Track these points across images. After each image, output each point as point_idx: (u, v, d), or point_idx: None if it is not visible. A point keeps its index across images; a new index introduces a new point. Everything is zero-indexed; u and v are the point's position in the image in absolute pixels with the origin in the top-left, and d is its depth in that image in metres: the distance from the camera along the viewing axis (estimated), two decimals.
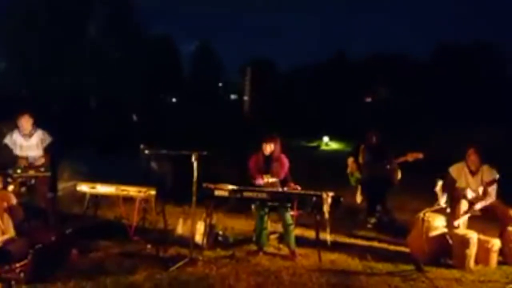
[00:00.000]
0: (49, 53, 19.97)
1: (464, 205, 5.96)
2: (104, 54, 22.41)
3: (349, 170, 7.65)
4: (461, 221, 5.88)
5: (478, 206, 5.88)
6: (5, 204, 4.75)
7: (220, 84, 44.95)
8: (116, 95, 22.43)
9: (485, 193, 5.92)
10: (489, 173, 5.94)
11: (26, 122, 6.45)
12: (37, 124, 6.58)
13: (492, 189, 5.91)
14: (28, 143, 6.47)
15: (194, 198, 5.42)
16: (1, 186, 5.35)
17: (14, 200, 4.93)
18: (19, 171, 6.23)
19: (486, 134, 14.42)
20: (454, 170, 6.20)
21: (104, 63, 21.99)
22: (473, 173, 6.03)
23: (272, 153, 5.81)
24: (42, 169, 6.39)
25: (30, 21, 19.83)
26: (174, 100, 38.66)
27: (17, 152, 6.43)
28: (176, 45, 36.98)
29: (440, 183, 6.09)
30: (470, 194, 5.99)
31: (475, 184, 5.99)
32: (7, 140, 6.45)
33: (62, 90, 20.29)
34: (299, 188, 5.79)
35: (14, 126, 6.54)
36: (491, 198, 5.91)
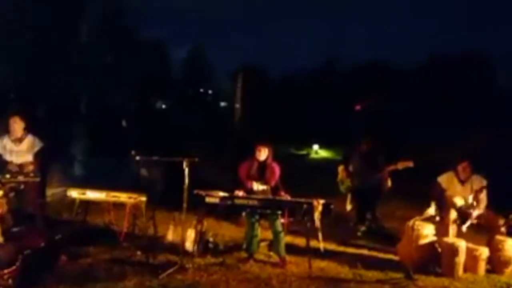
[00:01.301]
0: (40, 56, 19.86)
1: (453, 214, 6.02)
2: (95, 57, 22.32)
3: (339, 177, 7.68)
4: (451, 230, 5.94)
5: (475, 213, 5.95)
6: None
7: (210, 92, 44.99)
8: (106, 99, 22.32)
9: (478, 201, 6.00)
10: (478, 181, 6.06)
11: (16, 125, 6.38)
12: (28, 130, 6.53)
13: (483, 196, 6.02)
14: (18, 148, 6.41)
15: (184, 205, 5.41)
16: (2, 193, 5.36)
17: (5, 207, 4.89)
18: (8, 176, 6.17)
19: (475, 141, 14.59)
20: (444, 179, 6.27)
21: (95, 67, 21.90)
22: (462, 182, 6.12)
23: (265, 159, 5.82)
24: (32, 175, 6.34)
25: (21, 23, 19.73)
26: (164, 106, 38.57)
27: (7, 157, 6.37)
28: (167, 51, 36.91)
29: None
30: (459, 202, 6.06)
31: (465, 193, 6.07)
32: None
33: (52, 93, 20.19)
34: (289, 196, 5.80)
35: (4, 131, 6.48)
36: (484, 204, 6.01)
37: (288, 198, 5.74)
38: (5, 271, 4.45)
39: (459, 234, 5.92)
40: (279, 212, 5.66)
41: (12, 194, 6.20)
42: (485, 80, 28.38)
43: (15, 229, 5.53)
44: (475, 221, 5.96)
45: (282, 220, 5.77)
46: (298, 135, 23.53)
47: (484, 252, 5.63)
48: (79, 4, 21.59)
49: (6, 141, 6.40)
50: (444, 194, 6.19)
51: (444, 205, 6.12)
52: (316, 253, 5.82)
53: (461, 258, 5.50)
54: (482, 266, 5.62)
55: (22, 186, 6.30)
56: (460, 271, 5.50)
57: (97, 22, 22.63)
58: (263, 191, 5.83)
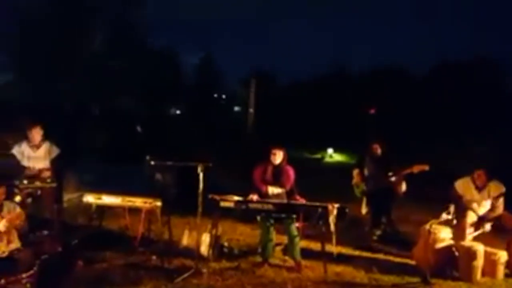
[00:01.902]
0: (55, 63, 20.17)
1: (470, 217, 5.95)
2: (107, 66, 22.58)
3: (354, 181, 7.64)
4: (469, 234, 5.88)
5: (488, 226, 5.89)
6: (17, 222, 4.80)
7: (223, 96, 45.10)
8: (119, 106, 22.58)
9: (493, 207, 5.93)
10: (496, 188, 5.95)
11: (37, 133, 6.51)
12: (46, 136, 6.63)
13: (500, 203, 5.94)
14: (36, 154, 6.51)
15: (199, 209, 5.42)
16: (20, 198, 5.42)
17: (24, 216, 4.96)
18: (25, 181, 6.26)
19: (485, 146, 14.50)
20: (460, 185, 6.20)
21: (106, 75, 22.16)
22: (479, 189, 6.03)
23: (280, 163, 5.81)
24: (49, 180, 6.42)
25: (37, 30, 20.08)
26: (178, 112, 38.80)
27: (24, 162, 6.47)
28: (179, 57, 37.07)
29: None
30: (480, 211, 5.98)
31: (482, 199, 5.99)
32: (15, 150, 6.50)
33: (67, 99, 20.53)
34: (304, 200, 5.78)
35: (22, 138, 6.58)
36: (498, 211, 5.93)
37: (303, 202, 5.72)
38: (23, 275, 4.50)
39: (477, 238, 5.86)
40: (294, 216, 5.65)
41: (29, 200, 6.29)
42: (493, 85, 28.08)
43: (32, 234, 5.59)
44: (488, 229, 5.90)
45: (297, 224, 5.75)
46: (312, 139, 23.47)
47: (502, 256, 5.56)
48: (90, 13, 21.89)
49: (24, 147, 6.50)
50: (461, 199, 6.12)
51: (461, 209, 6.05)
52: (332, 258, 5.79)
53: (479, 262, 5.44)
54: (500, 270, 5.56)
55: (39, 192, 6.40)
56: (478, 275, 5.44)
57: (108, 31, 22.91)
58: (278, 195, 5.81)
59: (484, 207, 5.98)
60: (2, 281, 4.44)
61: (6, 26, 20.49)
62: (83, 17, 21.31)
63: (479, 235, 5.90)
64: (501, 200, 5.94)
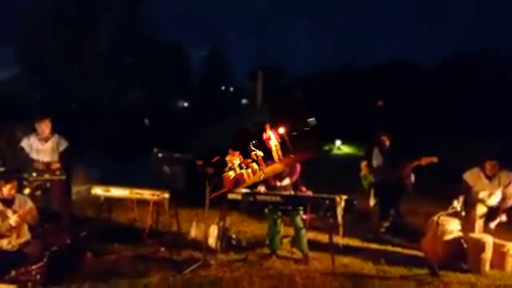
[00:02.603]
0: (62, 59, 20.27)
1: (480, 209, 5.92)
2: (114, 61, 22.64)
3: (362, 173, 7.62)
4: (478, 226, 5.85)
5: (504, 217, 5.88)
6: (28, 217, 4.84)
7: (231, 89, 45.06)
8: (128, 100, 22.68)
9: (504, 196, 5.91)
10: (505, 176, 5.96)
11: (45, 126, 6.55)
12: (54, 129, 6.67)
13: (511, 190, 5.91)
14: (44, 147, 6.54)
15: (207, 201, 5.43)
16: (29, 190, 5.47)
17: (35, 212, 5.00)
18: (34, 174, 6.30)
19: (488, 143, 14.40)
20: (469, 176, 6.17)
21: (114, 70, 22.23)
22: (489, 178, 6.01)
23: None
24: (57, 173, 6.46)
25: (44, 27, 20.19)
26: (185, 104, 38.82)
27: (33, 155, 6.51)
28: (187, 50, 37.01)
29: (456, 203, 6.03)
30: (491, 200, 5.96)
31: (492, 188, 5.96)
32: (24, 144, 6.54)
33: (75, 94, 20.66)
34: (310, 192, 5.78)
35: (31, 131, 6.62)
36: (510, 200, 5.91)
37: (311, 193, 5.72)
38: (33, 267, 4.56)
39: (486, 230, 5.83)
40: (301, 208, 5.64)
41: (38, 192, 6.33)
42: (500, 80, 27.77)
43: (41, 227, 5.63)
44: (504, 219, 5.88)
45: (304, 216, 5.75)
46: (319, 131, 23.38)
47: (511, 248, 5.52)
48: (97, 11, 21.96)
49: (33, 140, 6.54)
50: (471, 190, 6.09)
51: (470, 201, 6.02)
52: (339, 249, 5.78)
53: (488, 254, 5.40)
54: (509, 262, 5.52)
55: (48, 184, 6.43)
56: (486, 267, 5.41)
57: (114, 28, 22.97)
58: (285, 187, 5.83)
59: (495, 196, 5.96)
60: (13, 272, 4.49)
61: (14, 26, 20.69)
62: (90, 15, 21.40)
63: (488, 227, 5.89)
64: (511, 187, 5.92)
